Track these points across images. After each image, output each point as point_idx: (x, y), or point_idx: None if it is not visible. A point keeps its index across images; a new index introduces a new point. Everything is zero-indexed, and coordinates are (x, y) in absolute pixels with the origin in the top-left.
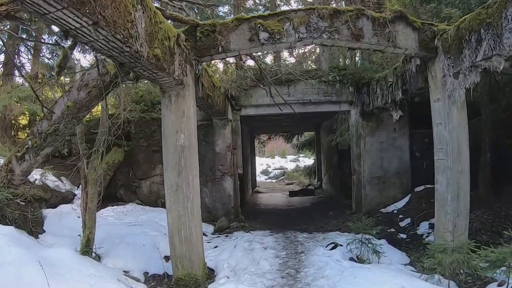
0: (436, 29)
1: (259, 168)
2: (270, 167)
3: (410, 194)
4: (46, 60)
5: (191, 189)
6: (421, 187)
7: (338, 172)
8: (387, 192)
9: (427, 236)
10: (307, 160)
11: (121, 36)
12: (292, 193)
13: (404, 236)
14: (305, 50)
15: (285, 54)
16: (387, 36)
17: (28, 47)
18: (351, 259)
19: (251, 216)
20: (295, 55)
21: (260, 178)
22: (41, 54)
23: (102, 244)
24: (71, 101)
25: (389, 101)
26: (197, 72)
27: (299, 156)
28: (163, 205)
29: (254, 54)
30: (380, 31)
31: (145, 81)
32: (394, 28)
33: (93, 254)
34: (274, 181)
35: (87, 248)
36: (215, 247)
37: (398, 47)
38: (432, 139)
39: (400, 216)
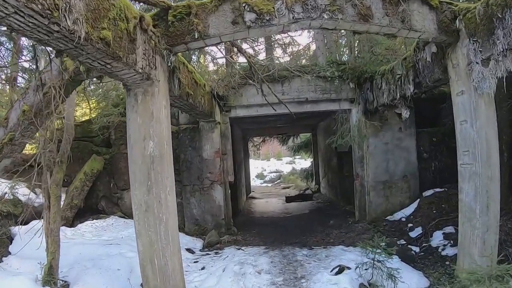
0: (457, 9)
1: (254, 171)
2: (265, 170)
3: (418, 200)
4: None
5: (164, 210)
6: (430, 192)
7: (338, 175)
8: (394, 198)
9: (443, 249)
10: (303, 162)
11: (40, 6)
12: (289, 199)
13: (416, 249)
14: (300, 48)
15: (278, 52)
16: (401, 16)
17: None
18: (362, 286)
19: (245, 227)
20: (288, 53)
21: (255, 182)
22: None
23: (72, 268)
24: (27, 105)
25: (397, 97)
26: (169, 64)
27: (295, 158)
28: None
29: (242, 46)
30: (392, 10)
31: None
32: (408, 7)
33: (59, 283)
34: (269, 185)
35: (49, 277)
36: (202, 269)
37: (414, 30)
38: (440, 139)
39: (410, 225)
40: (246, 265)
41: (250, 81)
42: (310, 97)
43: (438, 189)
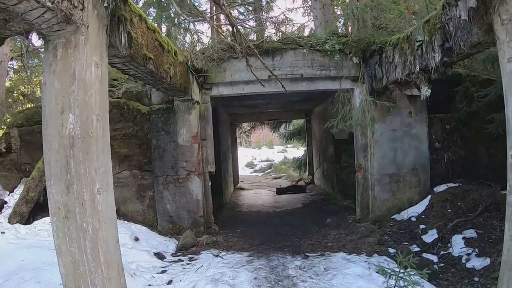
0: None
1: (244, 160)
2: (255, 159)
3: (429, 196)
4: None
5: (90, 216)
6: (443, 187)
7: (334, 166)
8: (401, 194)
9: (467, 260)
10: (295, 151)
11: None
12: (280, 191)
13: (434, 258)
14: (294, 29)
15: (270, 30)
16: None
17: None
18: None
19: (229, 224)
20: (282, 33)
21: (244, 171)
22: None
23: (8, 280)
24: None
25: (416, 70)
26: (106, 4)
27: (287, 147)
28: (117, 213)
29: (227, 11)
30: None
31: None
32: None
33: None
34: (260, 174)
35: None
36: (168, 283)
37: None
38: (454, 127)
39: (422, 226)
40: (220, 285)
41: (235, 45)
42: (306, 74)
43: (451, 184)
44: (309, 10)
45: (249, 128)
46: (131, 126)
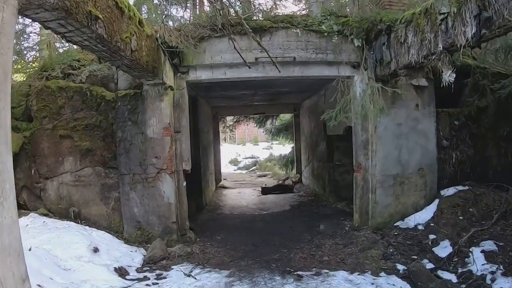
0: None
1: (227, 157)
2: (240, 155)
3: (437, 201)
4: None
5: None
6: (451, 190)
7: (326, 164)
8: (406, 198)
9: (493, 280)
10: (281, 148)
11: None
12: (266, 190)
13: (452, 277)
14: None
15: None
16: None
17: None
18: None
19: (208, 230)
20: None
21: (228, 168)
22: None
23: None
24: None
25: (439, 49)
26: None
27: (272, 143)
28: (78, 217)
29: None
30: None
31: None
32: None
33: None
34: (244, 172)
35: None
36: None
37: None
38: (463, 123)
39: (432, 236)
40: None
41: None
42: (299, 57)
43: (460, 187)
44: None
45: (232, 122)
46: (94, 116)
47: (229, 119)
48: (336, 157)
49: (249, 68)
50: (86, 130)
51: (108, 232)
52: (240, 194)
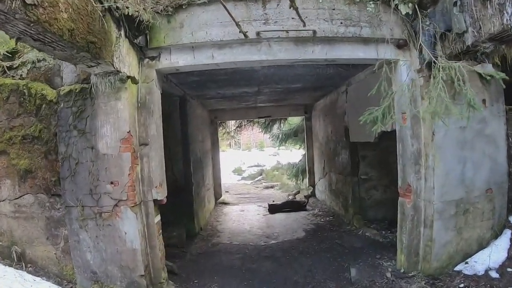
0: None
1: (231, 165)
2: (244, 163)
3: (508, 232)
4: None
5: None
6: None
7: (350, 179)
8: (470, 231)
9: None
10: (289, 154)
11: None
12: (273, 208)
13: None
14: None
15: None
16: None
17: None
18: None
19: (198, 273)
20: None
21: (231, 179)
22: None
23: None
24: None
25: None
26: None
27: (279, 149)
28: (21, 259)
29: None
30: None
31: None
32: None
33: None
34: (249, 182)
35: None
36: None
37: None
38: None
39: None
40: None
41: None
42: (322, 31)
43: None
44: None
45: (235, 127)
46: (33, 123)
47: (231, 123)
48: (362, 169)
49: (247, 42)
50: (24, 143)
51: (58, 283)
52: (243, 213)
